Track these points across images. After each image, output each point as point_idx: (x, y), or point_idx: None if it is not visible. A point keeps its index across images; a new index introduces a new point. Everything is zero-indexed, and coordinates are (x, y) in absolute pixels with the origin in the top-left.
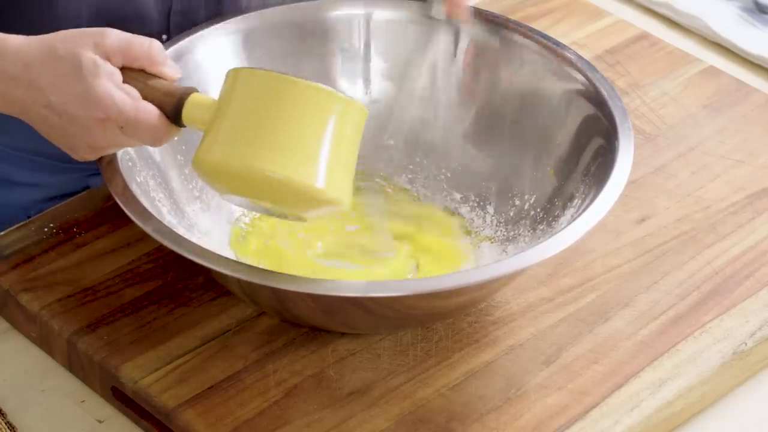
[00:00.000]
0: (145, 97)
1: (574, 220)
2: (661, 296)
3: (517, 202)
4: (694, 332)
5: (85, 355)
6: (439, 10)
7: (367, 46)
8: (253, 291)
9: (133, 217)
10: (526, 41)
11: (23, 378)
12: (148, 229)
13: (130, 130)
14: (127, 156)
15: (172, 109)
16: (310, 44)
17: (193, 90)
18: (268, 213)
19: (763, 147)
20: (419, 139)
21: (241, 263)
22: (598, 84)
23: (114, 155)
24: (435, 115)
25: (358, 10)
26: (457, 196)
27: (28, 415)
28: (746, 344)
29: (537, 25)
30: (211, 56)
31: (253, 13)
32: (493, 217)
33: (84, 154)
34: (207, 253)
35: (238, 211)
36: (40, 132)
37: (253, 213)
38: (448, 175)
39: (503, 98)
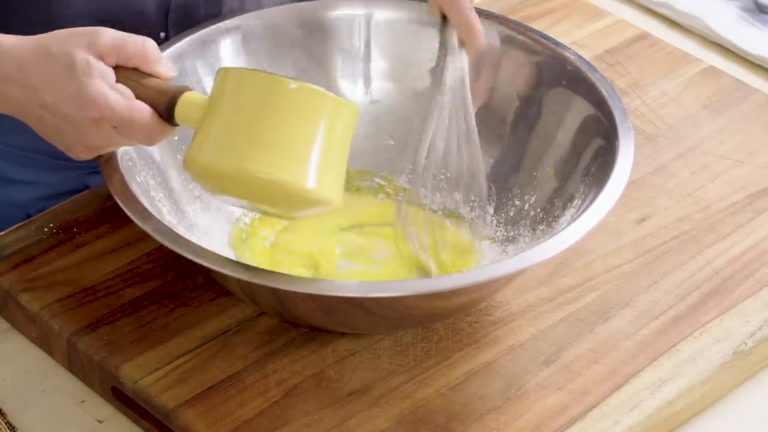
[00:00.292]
0: (138, 96)
1: (574, 220)
2: (661, 296)
3: (517, 203)
4: (694, 332)
5: (85, 355)
6: (453, 40)
7: (367, 46)
8: (253, 291)
9: (132, 217)
10: (526, 41)
11: (23, 378)
12: (147, 229)
13: (124, 129)
14: (127, 156)
15: (165, 108)
16: (310, 44)
17: (186, 88)
18: (260, 211)
19: (763, 147)
20: (419, 140)
21: (241, 263)
22: (598, 84)
23: (114, 155)
24: (435, 116)
25: (358, 10)
26: (458, 196)
27: (28, 415)
28: (746, 344)
29: (537, 25)
30: (210, 56)
31: (252, 13)
32: (493, 218)
33: (79, 153)
34: (207, 253)
35: (238, 211)
36: (37, 131)
37: (253, 213)
38: (449, 175)
39: (503, 98)
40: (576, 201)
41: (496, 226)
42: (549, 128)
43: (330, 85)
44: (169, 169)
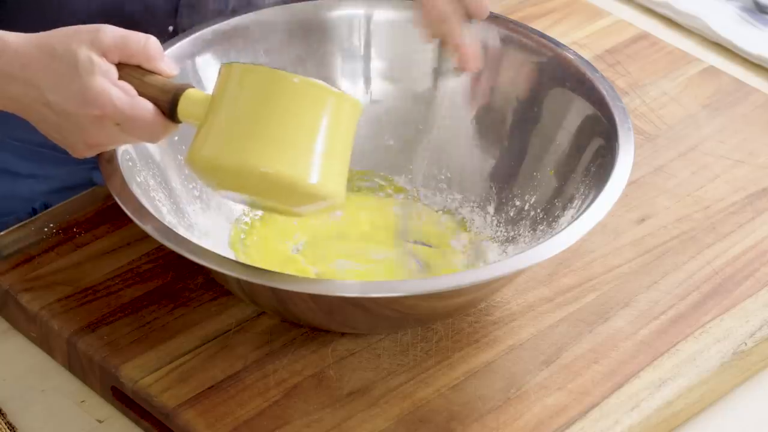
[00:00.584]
0: (141, 94)
1: (574, 220)
2: (661, 296)
3: (518, 203)
4: (694, 332)
5: (85, 355)
6: (450, 66)
7: (367, 46)
8: (253, 291)
9: (132, 217)
10: (526, 41)
11: (23, 378)
12: (147, 229)
13: (127, 126)
14: (127, 156)
15: (168, 105)
16: (310, 44)
17: (188, 86)
18: (264, 208)
19: (763, 147)
20: (420, 140)
21: (241, 263)
22: (598, 84)
23: (114, 154)
24: (435, 115)
25: (359, 10)
26: (458, 196)
27: (28, 415)
28: (746, 344)
29: (537, 25)
30: (210, 57)
31: (253, 13)
32: (494, 218)
33: (83, 151)
34: (207, 253)
35: (238, 211)
36: (40, 129)
37: (253, 213)
38: (449, 175)
39: (503, 98)
40: (576, 201)
41: (496, 226)
42: (549, 128)
43: (330, 84)
44: (169, 169)
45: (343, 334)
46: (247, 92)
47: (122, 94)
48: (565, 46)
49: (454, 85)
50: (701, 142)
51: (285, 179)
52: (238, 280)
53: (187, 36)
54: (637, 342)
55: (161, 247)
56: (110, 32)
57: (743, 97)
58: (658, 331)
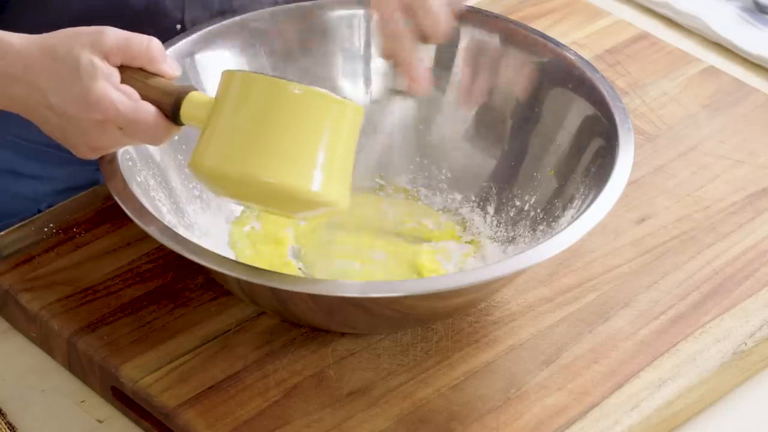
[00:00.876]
0: (144, 96)
1: (574, 220)
2: (661, 296)
3: (518, 203)
4: (694, 332)
5: (85, 355)
6: (402, 84)
7: (368, 46)
8: (253, 291)
9: (132, 217)
10: (526, 41)
11: (23, 378)
12: (148, 229)
13: (130, 130)
14: (127, 156)
15: (171, 108)
16: (310, 44)
17: (191, 88)
18: (266, 212)
19: (763, 147)
20: (419, 140)
21: (241, 263)
22: (598, 84)
23: (114, 155)
24: (435, 116)
25: (359, 10)
26: (458, 196)
27: (28, 415)
28: (746, 344)
29: (537, 25)
30: (211, 56)
31: (253, 13)
32: (494, 218)
33: (85, 153)
34: (207, 253)
35: (238, 211)
36: (43, 130)
37: (253, 214)
38: (449, 175)
39: (503, 98)
40: (576, 201)
41: (496, 226)
42: (549, 128)
43: (330, 85)
44: (169, 169)
45: (343, 334)
46: (250, 101)
47: (124, 98)
48: (565, 46)
49: (408, 105)
50: (701, 142)
51: (288, 189)
52: (238, 280)
53: (187, 35)
54: (637, 342)
55: (161, 247)
56: (112, 34)
57: (743, 97)
58: (658, 331)
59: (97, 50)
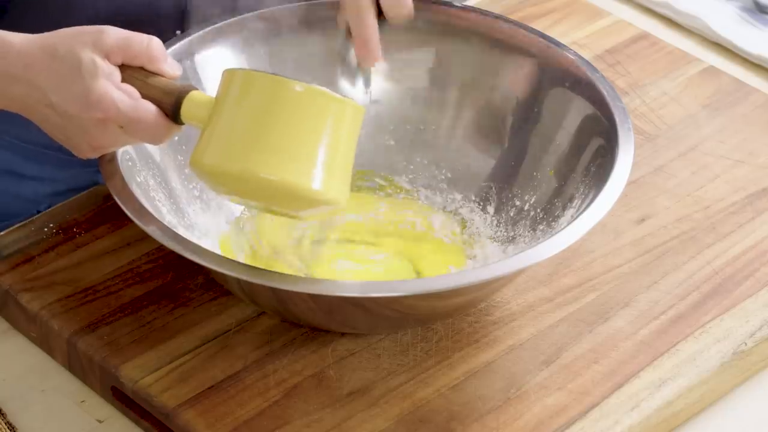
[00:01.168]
0: (144, 96)
1: (574, 220)
2: (661, 296)
3: (517, 203)
4: (694, 332)
5: (85, 355)
6: (353, 57)
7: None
8: (253, 291)
9: (132, 217)
10: (526, 41)
11: (23, 378)
12: (147, 229)
13: (131, 129)
14: (127, 156)
15: (171, 107)
16: (310, 44)
17: (191, 88)
18: (266, 211)
19: (763, 147)
20: (420, 140)
21: (241, 263)
22: (598, 84)
23: (114, 155)
24: (435, 116)
25: None
26: (458, 196)
27: (28, 415)
28: (746, 344)
29: (537, 25)
30: (211, 57)
31: (253, 14)
32: (494, 218)
33: (86, 152)
34: (207, 253)
35: (238, 211)
36: (44, 129)
37: (253, 215)
38: (449, 175)
39: (503, 98)
40: (576, 201)
41: (496, 226)
42: (549, 128)
43: (330, 85)
44: (169, 169)
45: (343, 334)
46: (250, 99)
47: (125, 98)
48: (565, 46)
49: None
50: (701, 142)
51: (288, 186)
52: (238, 280)
53: (187, 35)
54: (637, 342)
55: (161, 247)
56: (113, 33)
57: (743, 97)
58: (658, 331)
59: (98, 49)
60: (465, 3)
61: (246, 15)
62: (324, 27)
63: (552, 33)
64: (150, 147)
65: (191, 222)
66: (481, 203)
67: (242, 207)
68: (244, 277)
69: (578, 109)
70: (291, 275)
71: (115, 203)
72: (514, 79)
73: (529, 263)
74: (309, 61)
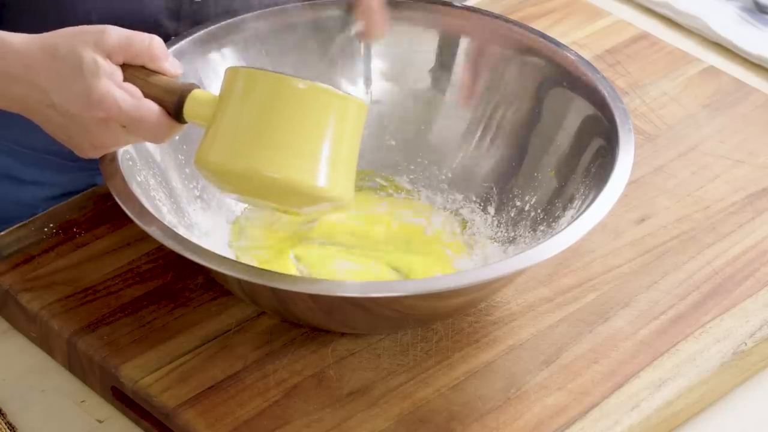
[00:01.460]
0: (146, 95)
1: (575, 220)
2: (661, 296)
3: (518, 203)
4: (694, 332)
5: (85, 355)
6: (358, 30)
7: (368, 46)
8: (253, 291)
9: (132, 217)
10: (526, 41)
11: (23, 378)
12: (147, 229)
13: (133, 128)
14: (127, 155)
15: (174, 106)
16: (310, 44)
17: (193, 86)
18: (270, 209)
19: (763, 147)
20: (420, 140)
21: (241, 263)
22: (598, 84)
23: (114, 154)
24: (436, 116)
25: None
26: (459, 196)
27: (28, 415)
28: (746, 344)
29: (537, 25)
30: (211, 57)
31: (253, 14)
32: (494, 218)
33: (88, 152)
34: (207, 253)
35: (238, 210)
36: (45, 129)
37: (252, 215)
38: (449, 175)
39: (503, 99)
40: (576, 201)
41: (497, 226)
42: (549, 128)
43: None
44: (169, 169)
45: (343, 334)
46: (254, 97)
47: (127, 97)
48: (565, 46)
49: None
50: (701, 142)
51: (292, 183)
52: (238, 280)
53: (187, 36)
54: (637, 342)
55: (161, 247)
56: (114, 33)
57: (743, 97)
58: (658, 331)
59: (99, 49)
60: (465, 3)
61: (246, 15)
62: (324, 27)
63: (552, 33)
64: (150, 146)
65: (191, 222)
66: (482, 204)
67: (242, 206)
68: (244, 277)
69: (578, 110)
70: (291, 275)
71: (115, 203)
72: (515, 79)
73: (529, 263)
74: (309, 60)
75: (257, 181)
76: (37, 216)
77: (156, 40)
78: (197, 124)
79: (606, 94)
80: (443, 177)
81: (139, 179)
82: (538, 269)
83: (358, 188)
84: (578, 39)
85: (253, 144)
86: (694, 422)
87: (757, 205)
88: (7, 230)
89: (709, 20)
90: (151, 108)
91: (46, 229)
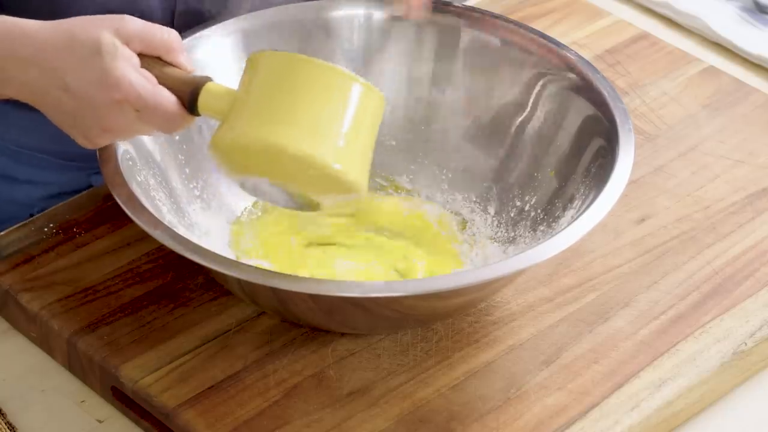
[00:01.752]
0: (161, 84)
1: (575, 220)
2: (661, 296)
3: (518, 203)
4: (694, 332)
5: (85, 355)
6: (400, 9)
7: (367, 46)
8: (253, 291)
9: (132, 217)
10: (526, 41)
11: (23, 378)
12: (147, 229)
13: (147, 114)
14: (127, 155)
15: (188, 97)
16: (310, 44)
17: (208, 79)
18: (283, 203)
19: (763, 147)
20: (421, 140)
21: (241, 263)
22: (598, 84)
23: (114, 154)
24: (436, 116)
25: (359, 10)
26: (459, 196)
27: (28, 415)
28: (746, 344)
29: (537, 25)
30: (211, 57)
31: (253, 13)
32: (494, 218)
33: (96, 138)
34: (207, 253)
35: (238, 211)
36: (51, 118)
37: (253, 215)
38: (450, 175)
39: (503, 99)
40: (576, 201)
41: (497, 226)
42: (549, 129)
43: None
44: (169, 169)
45: (343, 334)
46: (276, 76)
47: (145, 82)
48: (565, 46)
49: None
50: (701, 142)
51: (310, 160)
52: (238, 280)
53: (187, 35)
54: (637, 342)
55: (161, 247)
56: (134, 21)
57: (743, 97)
58: (658, 331)
59: (119, 34)
60: (465, 3)
61: (245, 15)
62: (324, 27)
63: (552, 33)
64: (150, 146)
65: (191, 221)
66: (482, 204)
67: (242, 207)
68: (244, 277)
69: (578, 110)
70: (291, 275)
71: (115, 203)
72: (515, 79)
73: (529, 263)
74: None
75: (273, 158)
76: (37, 216)
77: (174, 33)
78: (210, 116)
79: (606, 94)
80: (443, 177)
81: (139, 179)
82: (538, 269)
83: None
84: (578, 39)
85: (272, 120)
86: (694, 422)
87: (757, 205)
88: (7, 230)
89: (709, 20)
90: (167, 96)
91: (46, 229)
